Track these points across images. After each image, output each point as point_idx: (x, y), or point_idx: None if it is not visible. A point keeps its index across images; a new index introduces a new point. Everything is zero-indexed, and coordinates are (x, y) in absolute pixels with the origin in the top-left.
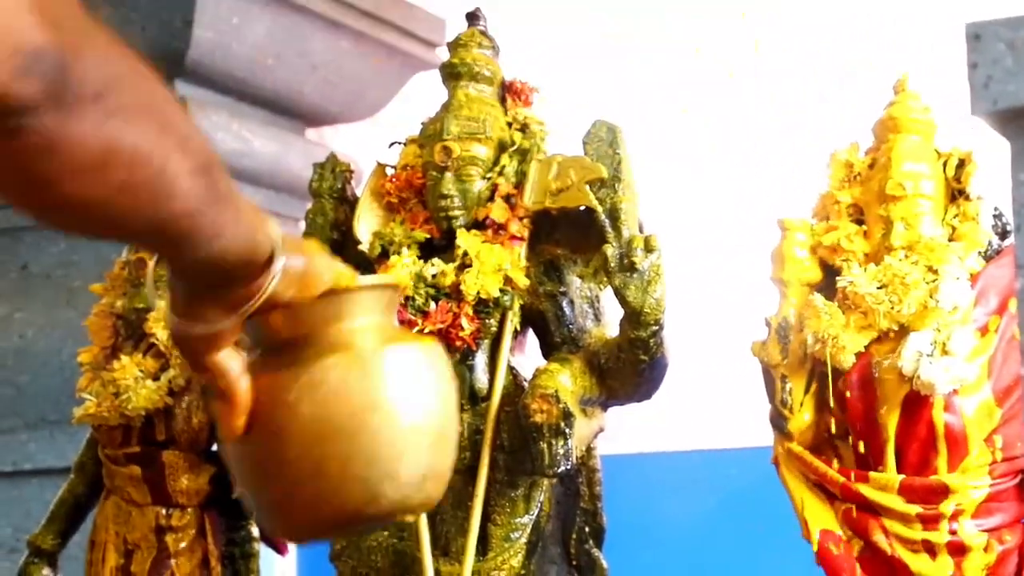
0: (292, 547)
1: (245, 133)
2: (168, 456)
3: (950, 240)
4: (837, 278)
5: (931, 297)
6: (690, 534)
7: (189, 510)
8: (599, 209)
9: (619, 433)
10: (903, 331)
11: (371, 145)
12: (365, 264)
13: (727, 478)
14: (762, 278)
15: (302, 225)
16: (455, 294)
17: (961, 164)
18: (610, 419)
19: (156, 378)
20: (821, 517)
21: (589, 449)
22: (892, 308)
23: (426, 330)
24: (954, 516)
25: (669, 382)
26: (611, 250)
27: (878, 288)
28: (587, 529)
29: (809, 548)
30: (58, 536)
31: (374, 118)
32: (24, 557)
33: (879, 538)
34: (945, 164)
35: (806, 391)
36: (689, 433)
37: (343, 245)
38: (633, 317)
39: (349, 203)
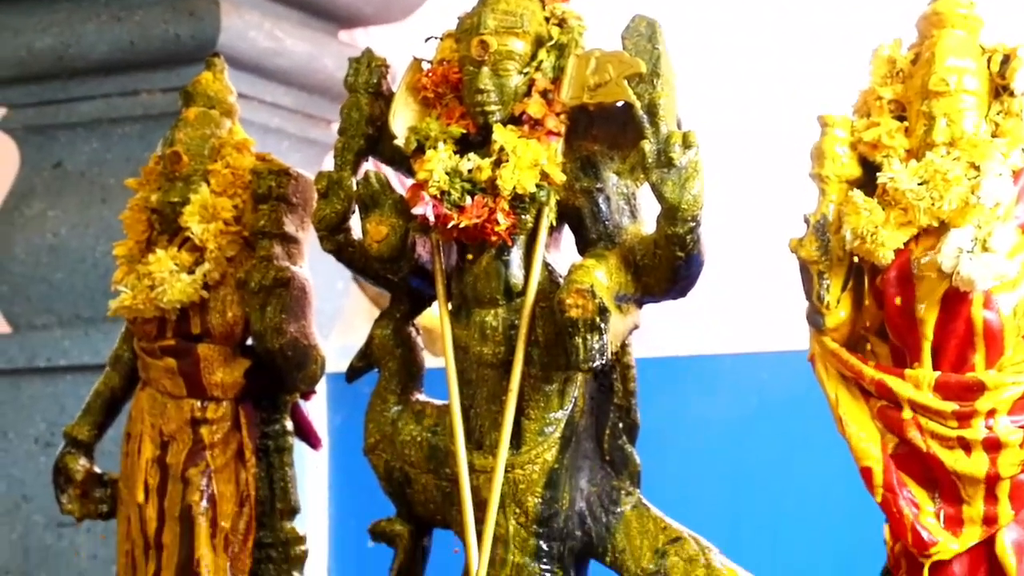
0: (325, 429)
1: (278, 33)
2: (203, 349)
3: (993, 136)
4: (877, 174)
5: (972, 193)
6: (723, 438)
7: (224, 403)
8: (637, 104)
9: (653, 336)
10: (943, 228)
11: (403, 48)
12: (401, 159)
13: (760, 381)
14: (801, 175)
15: (334, 127)
16: (491, 189)
17: (1006, 60)
18: (644, 321)
19: (191, 272)
20: (855, 414)
21: (624, 346)
22: (933, 204)
23: (461, 225)
24: (990, 413)
25: (704, 283)
26: (649, 146)
27: (919, 184)
28: (621, 425)
29: (842, 451)
30: (94, 428)
31: (406, 21)
32: (60, 448)
33: (914, 435)
34: (989, 60)
35: (843, 288)
36: (723, 336)
37: (378, 140)
38: (670, 213)
39: (384, 98)
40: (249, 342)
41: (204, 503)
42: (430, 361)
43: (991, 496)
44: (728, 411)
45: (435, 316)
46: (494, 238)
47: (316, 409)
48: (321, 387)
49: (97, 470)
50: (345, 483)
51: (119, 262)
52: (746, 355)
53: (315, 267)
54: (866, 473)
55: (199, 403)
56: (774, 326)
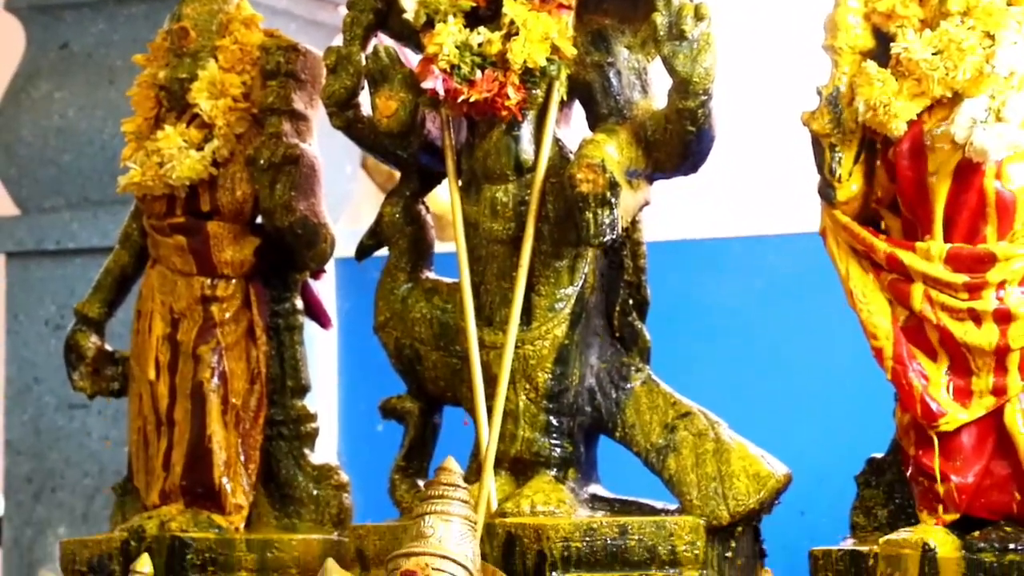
0: (335, 314)
1: None
2: (213, 227)
3: (1008, 5)
4: (891, 45)
5: (987, 63)
6: (733, 319)
7: (234, 281)
8: None
9: (663, 219)
10: (957, 98)
11: None
12: (410, 33)
13: (769, 264)
14: (815, 47)
15: (342, 10)
16: (501, 63)
17: None
18: (654, 204)
19: (200, 148)
20: (866, 288)
21: (634, 222)
22: (947, 74)
23: (471, 99)
24: (1001, 284)
25: (713, 164)
26: (660, 18)
27: (933, 54)
28: (631, 302)
29: (850, 331)
30: (105, 305)
31: None
32: (71, 326)
33: (924, 307)
34: None
35: (855, 161)
36: (732, 219)
37: (387, 15)
38: (681, 86)
39: None
40: (259, 220)
41: (215, 380)
42: (440, 246)
43: (1000, 367)
44: (737, 294)
45: (445, 201)
46: (504, 113)
47: (325, 294)
48: (330, 272)
49: (108, 347)
50: (354, 365)
51: (127, 139)
52: (755, 238)
53: (323, 151)
54: (876, 348)
55: (209, 281)
56: (783, 209)
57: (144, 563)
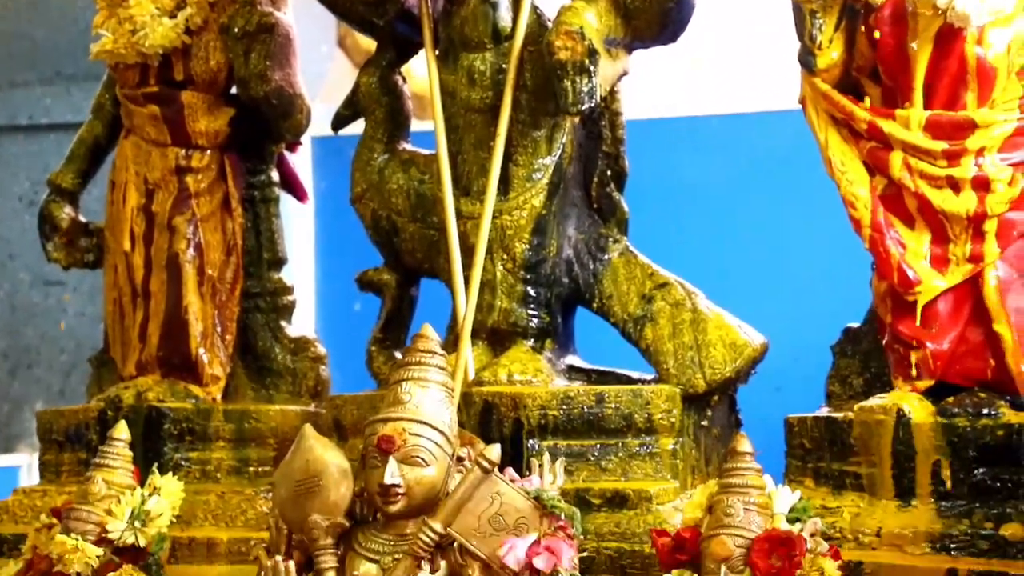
0: (311, 193)
1: None
2: (187, 96)
3: None
4: None
5: None
6: (714, 196)
7: (208, 152)
8: None
9: (643, 97)
10: None
11: None
12: None
13: (750, 141)
14: None
15: None
16: None
17: None
18: (636, 82)
19: (173, 16)
20: (845, 156)
21: (613, 92)
22: None
23: None
24: (980, 152)
25: (692, 38)
26: None
27: None
28: (609, 173)
29: (829, 207)
30: (78, 176)
31: None
32: (45, 196)
33: (903, 175)
34: None
35: (836, 28)
36: (712, 97)
37: None
38: None
39: None
40: (233, 90)
41: (191, 251)
42: (417, 124)
43: (978, 234)
44: (718, 170)
45: (422, 78)
46: None
47: (302, 173)
48: (306, 151)
49: (82, 219)
50: (331, 246)
51: (99, 5)
52: (736, 115)
53: (300, 30)
54: (854, 216)
55: (184, 151)
56: (764, 86)
57: (121, 430)
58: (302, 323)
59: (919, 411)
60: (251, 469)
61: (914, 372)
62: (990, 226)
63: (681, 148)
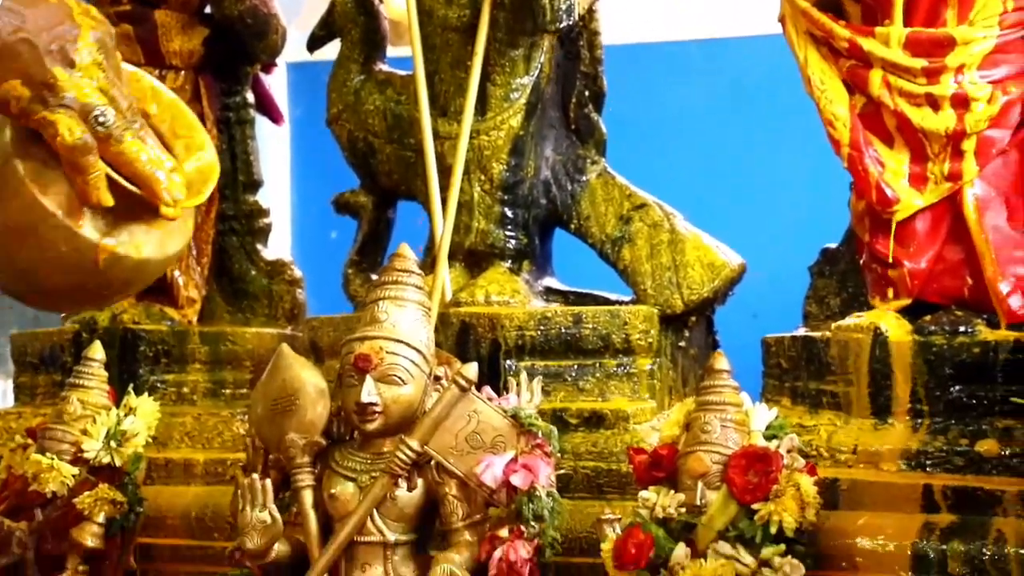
0: (287, 120)
1: None
2: (160, 15)
3: None
4: None
5: None
6: (693, 121)
7: (183, 72)
8: None
9: (623, 23)
10: None
11: None
12: None
13: (729, 67)
14: None
15: None
16: None
17: None
18: (614, 8)
19: None
20: (824, 75)
21: (591, 11)
22: None
23: None
24: (959, 69)
25: None
26: None
27: None
28: (587, 93)
29: (810, 131)
30: None
31: None
32: None
33: (882, 93)
34: None
35: None
36: (693, 22)
37: None
38: None
39: None
40: (208, 10)
41: None
42: (393, 50)
43: (956, 152)
44: (697, 96)
45: (399, 5)
46: None
47: (278, 98)
48: (282, 76)
49: None
50: (307, 171)
51: None
52: (717, 40)
53: None
54: (833, 135)
55: (157, 72)
56: (742, 10)
57: (96, 350)
58: (277, 249)
59: (896, 329)
60: (227, 391)
61: (891, 291)
62: (969, 144)
63: (661, 73)
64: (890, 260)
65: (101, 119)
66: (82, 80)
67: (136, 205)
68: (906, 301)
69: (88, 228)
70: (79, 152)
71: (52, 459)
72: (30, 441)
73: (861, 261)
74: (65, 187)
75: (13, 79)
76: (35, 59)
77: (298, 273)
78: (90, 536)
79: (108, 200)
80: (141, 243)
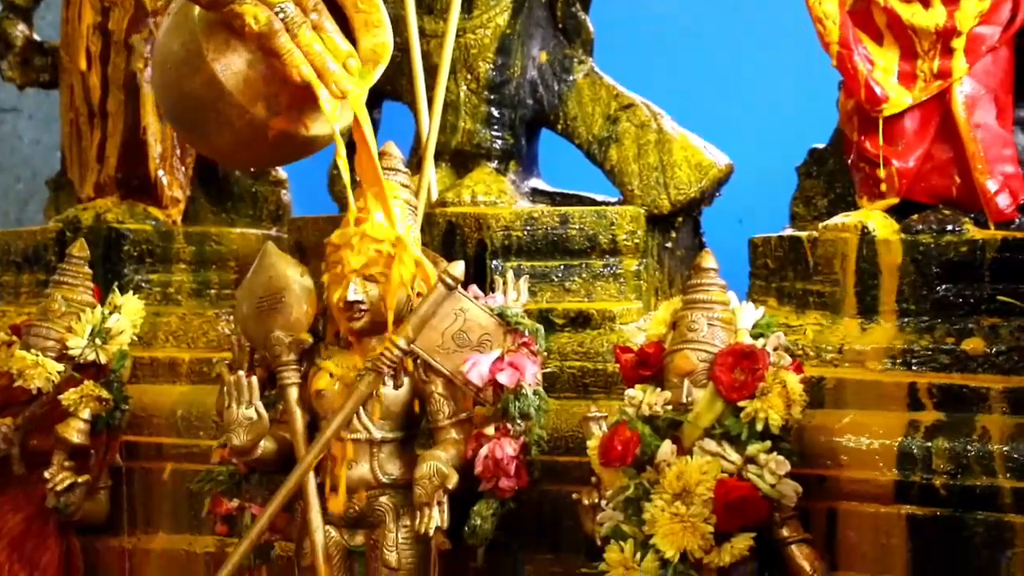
0: None
1: None
2: None
3: None
4: None
5: None
6: (680, 22)
7: None
8: None
9: None
10: None
11: None
12: None
13: None
14: None
15: None
16: None
17: None
18: None
19: None
20: None
21: None
22: None
23: None
24: None
25: None
26: None
27: None
28: None
29: (796, 34)
30: None
31: None
32: None
33: None
34: None
35: None
36: None
37: None
38: None
39: None
40: None
41: (149, 70)
42: None
43: (946, 50)
44: None
45: None
46: None
47: None
48: None
49: (36, 37)
50: None
51: None
52: None
53: None
54: (823, 34)
55: None
56: None
57: (80, 248)
58: None
59: (883, 228)
60: (212, 292)
61: (879, 190)
62: (959, 42)
63: None
64: (878, 159)
65: (280, 14)
66: None
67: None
68: (894, 200)
69: (260, 107)
70: (267, 37)
71: (37, 356)
72: (15, 338)
73: (849, 161)
74: (244, 69)
75: None
76: None
77: (283, 174)
78: (75, 432)
79: (310, 76)
80: (310, 122)
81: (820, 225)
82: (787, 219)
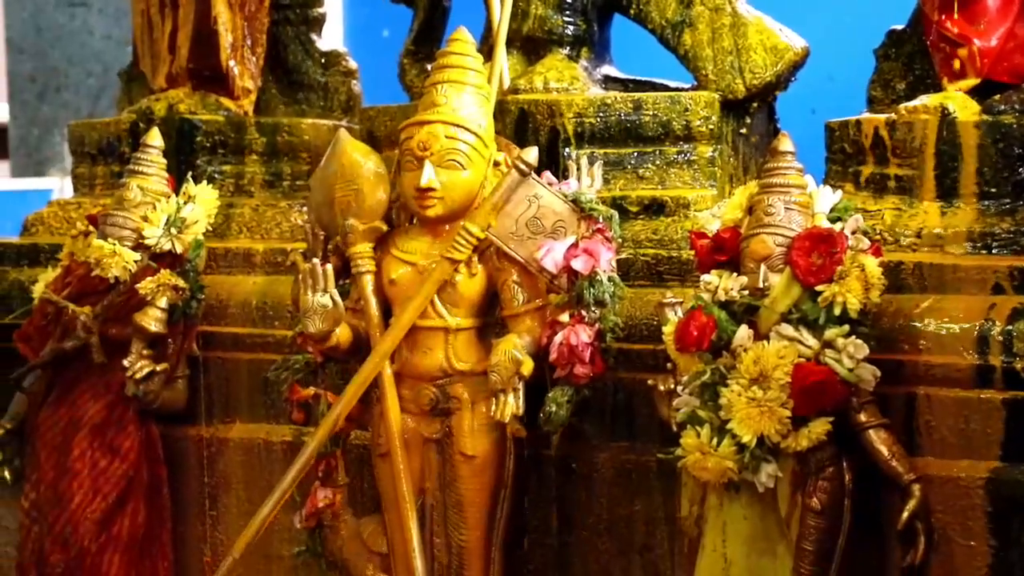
0: None
1: None
2: None
3: None
4: None
5: None
6: None
7: None
8: None
9: None
10: None
11: None
12: None
13: None
14: None
15: None
16: None
17: None
18: None
19: None
20: None
21: None
22: None
23: None
24: None
25: None
26: None
27: None
28: None
29: None
30: None
31: None
32: None
33: None
34: None
35: None
36: None
37: None
38: None
39: None
40: None
41: None
42: None
43: None
44: None
45: None
46: None
47: None
48: None
49: None
50: None
51: None
52: None
53: None
54: None
55: None
56: None
57: (154, 136)
58: (331, 34)
59: (964, 110)
60: (284, 183)
61: (960, 70)
62: None
63: None
64: (959, 39)
65: None
66: None
67: None
68: (975, 81)
69: None
70: None
71: (114, 245)
72: (91, 228)
73: (928, 42)
74: None
75: None
76: None
77: (353, 64)
78: (153, 320)
79: None
80: None
81: (899, 107)
82: (858, 110)
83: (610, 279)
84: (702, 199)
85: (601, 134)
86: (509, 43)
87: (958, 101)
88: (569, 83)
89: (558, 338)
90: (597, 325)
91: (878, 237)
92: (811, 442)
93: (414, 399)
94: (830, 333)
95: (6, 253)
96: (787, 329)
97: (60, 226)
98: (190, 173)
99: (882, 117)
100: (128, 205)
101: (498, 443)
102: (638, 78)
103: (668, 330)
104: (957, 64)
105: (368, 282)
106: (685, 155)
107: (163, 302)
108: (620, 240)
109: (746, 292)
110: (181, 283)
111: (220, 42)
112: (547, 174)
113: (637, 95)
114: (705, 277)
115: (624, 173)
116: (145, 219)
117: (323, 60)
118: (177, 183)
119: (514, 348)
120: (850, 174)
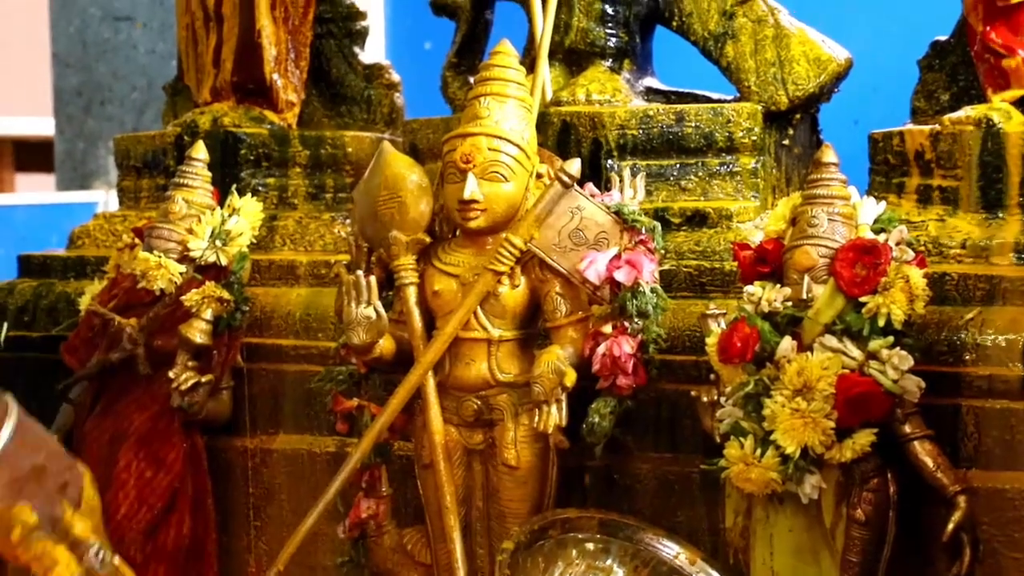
0: None
1: None
2: None
3: None
4: None
5: None
6: None
7: None
8: None
9: None
10: None
11: None
12: None
13: None
14: None
15: None
16: None
17: None
18: None
19: None
20: None
21: None
22: None
23: None
24: None
25: None
26: None
27: None
28: None
29: None
30: None
31: None
32: None
33: None
34: None
35: None
36: None
37: None
38: None
39: None
40: None
41: None
42: None
43: None
44: None
45: None
46: None
47: None
48: None
49: None
50: None
51: None
52: None
53: None
54: None
55: None
56: None
57: (199, 150)
58: (373, 46)
59: (1009, 121)
60: (328, 195)
61: (1005, 82)
62: None
63: None
64: (1004, 50)
65: None
66: None
67: None
68: (1020, 92)
69: None
70: None
71: (159, 257)
72: (137, 240)
73: (973, 52)
74: None
75: None
76: None
77: (396, 76)
78: (198, 332)
79: None
80: None
81: (944, 119)
82: (901, 120)
83: (653, 290)
84: (745, 210)
85: (643, 146)
86: (551, 55)
87: (1003, 112)
88: (611, 95)
89: (601, 349)
90: (640, 336)
91: (922, 248)
92: (855, 453)
93: (457, 410)
94: (874, 344)
95: (53, 265)
96: (831, 340)
97: (106, 239)
98: (234, 186)
99: (926, 128)
100: (173, 218)
101: (541, 454)
102: (680, 90)
103: (711, 341)
104: (1004, 81)
105: (411, 294)
106: (728, 166)
107: (208, 314)
108: (663, 251)
109: (789, 303)
110: (226, 295)
111: (264, 55)
112: (589, 186)
113: (679, 107)
114: (748, 288)
115: (667, 184)
116: (190, 231)
117: (366, 73)
118: (222, 196)
119: (557, 359)
120: (894, 185)
